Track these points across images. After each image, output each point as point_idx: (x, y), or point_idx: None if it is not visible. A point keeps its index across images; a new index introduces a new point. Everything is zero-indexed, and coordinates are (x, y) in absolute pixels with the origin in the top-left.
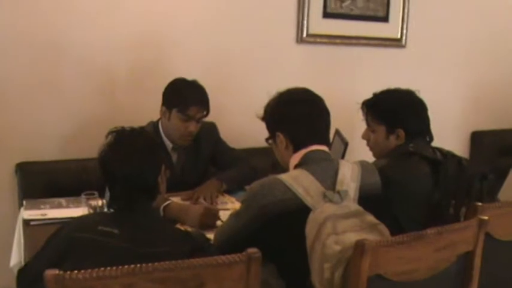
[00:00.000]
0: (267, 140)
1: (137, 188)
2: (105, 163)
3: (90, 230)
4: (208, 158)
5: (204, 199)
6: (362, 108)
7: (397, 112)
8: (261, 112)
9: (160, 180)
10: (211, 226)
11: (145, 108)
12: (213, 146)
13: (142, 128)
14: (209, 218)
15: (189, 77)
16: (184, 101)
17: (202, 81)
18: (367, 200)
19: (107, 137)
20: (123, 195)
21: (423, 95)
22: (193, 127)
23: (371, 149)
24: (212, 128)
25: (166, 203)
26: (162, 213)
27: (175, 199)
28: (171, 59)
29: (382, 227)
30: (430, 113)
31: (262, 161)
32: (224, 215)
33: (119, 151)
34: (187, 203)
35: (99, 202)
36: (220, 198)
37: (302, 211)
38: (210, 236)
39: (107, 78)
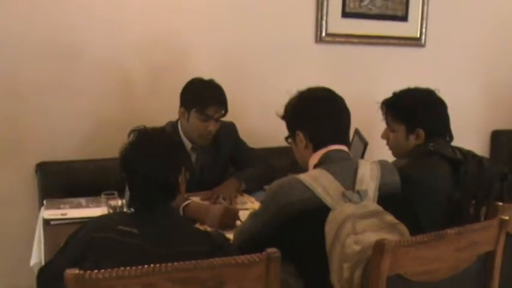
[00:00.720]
0: (286, 138)
1: (157, 188)
2: (126, 162)
3: (110, 229)
4: (228, 158)
5: (223, 199)
6: (381, 107)
7: (417, 112)
8: (282, 111)
9: (180, 181)
10: (231, 226)
11: (163, 108)
12: (232, 146)
13: (163, 128)
14: (229, 218)
15: (207, 76)
16: (203, 101)
17: (221, 81)
18: (386, 199)
19: (129, 135)
20: (143, 195)
21: (443, 94)
22: (212, 127)
23: (390, 148)
24: (231, 127)
25: (186, 203)
26: (181, 212)
27: (195, 199)
28: (188, 59)
29: (402, 227)
30: (450, 112)
31: (282, 161)
32: (243, 215)
33: (141, 150)
34: (206, 202)
35: (119, 202)
36: (239, 198)
37: (321, 211)
38: (230, 235)
39: (124, 78)
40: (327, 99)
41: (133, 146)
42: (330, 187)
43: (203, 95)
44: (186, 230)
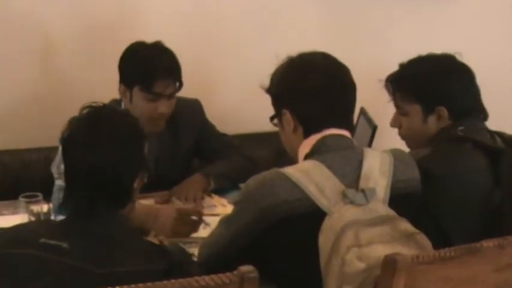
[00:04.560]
0: (271, 119)
1: (104, 187)
2: (68, 147)
3: (30, 243)
4: (191, 147)
5: (186, 200)
6: (386, 86)
7: (433, 84)
8: (267, 82)
9: (135, 186)
10: (187, 234)
11: (104, 81)
12: (197, 131)
13: (128, 111)
14: (184, 223)
15: (168, 42)
16: (147, 74)
17: (185, 48)
18: (401, 201)
19: (80, 113)
20: (83, 195)
21: (477, 61)
22: (164, 107)
23: (404, 138)
24: (195, 107)
25: None
26: None
27: (147, 202)
28: (143, 19)
29: (421, 237)
30: (486, 86)
31: (265, 150)
32: (213, 222)
33: (92, 132)
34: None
35: (44, 207)
36: (207, 200)
37: (314, 216)
38: (195, 250)
39: (48, 42)
40: (324, 70)
41: (82, 124)
42: (325, 185)
43: (147, 66)
44: (134, 244)
